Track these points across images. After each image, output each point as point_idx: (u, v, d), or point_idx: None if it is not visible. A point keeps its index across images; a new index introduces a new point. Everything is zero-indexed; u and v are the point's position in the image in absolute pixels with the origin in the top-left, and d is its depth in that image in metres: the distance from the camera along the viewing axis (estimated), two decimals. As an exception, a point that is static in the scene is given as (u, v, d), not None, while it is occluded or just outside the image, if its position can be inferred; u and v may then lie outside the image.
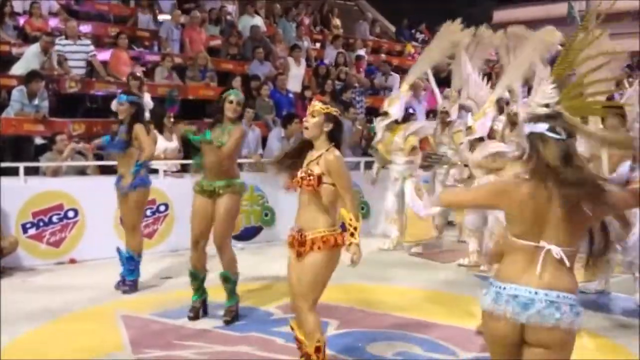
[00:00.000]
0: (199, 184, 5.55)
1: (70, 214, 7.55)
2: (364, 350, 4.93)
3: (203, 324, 5.48)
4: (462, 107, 7.78)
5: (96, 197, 7.61)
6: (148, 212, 7.71)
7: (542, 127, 2.84)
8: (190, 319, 5.52)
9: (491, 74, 10.71)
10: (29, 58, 9.49)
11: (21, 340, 5.02)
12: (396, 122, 8.41)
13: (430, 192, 8.60)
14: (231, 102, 5.40)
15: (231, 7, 14.58)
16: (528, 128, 2.89)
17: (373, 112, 10.88)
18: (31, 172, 7.66)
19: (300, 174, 3.88)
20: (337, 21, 16.71)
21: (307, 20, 15.99)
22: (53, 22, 11.18)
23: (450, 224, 9.12)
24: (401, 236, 8.53)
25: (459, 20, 8.15)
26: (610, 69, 6.89)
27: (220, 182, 5.42)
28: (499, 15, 23.65)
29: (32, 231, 7.32)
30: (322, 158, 3.87)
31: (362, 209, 9.23)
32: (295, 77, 12.10)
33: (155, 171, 7.96)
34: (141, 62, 11.05)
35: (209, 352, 4.87)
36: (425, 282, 6.99)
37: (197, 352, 4.86)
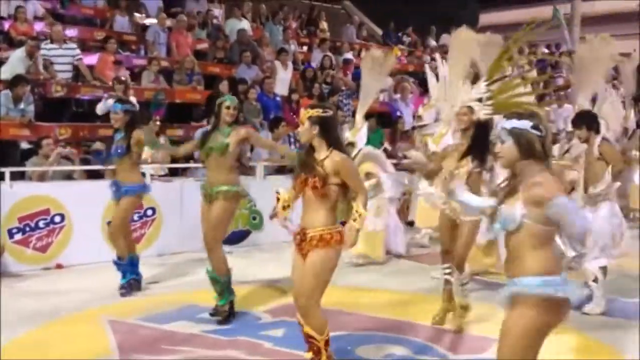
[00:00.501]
0: (202, 188, 5.75)
1: (57, 218, 7.51)
2: (353, 353, 4.93)
3: (191, 328, 5.46)
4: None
5: (83, 202, 7.58)
6: (135, 217, 7.68)
7: (526, 123, 3.08)
8: (220, 323, 5.58)
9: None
10: (14, 62, 9.43)
11: (7, 347, 4.97)
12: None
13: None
14: (228, 107, 5.61)
15: (218, 11, 14.58)
16: (511, 124, 3.10)
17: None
18: (17, 176, 7.60)
19: (304, 176, 4.03)
20: (324, 24, 16.76)
21: (294, 24, 16.03)
22: (38, 26, 11.12)
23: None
24: None
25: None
26: (599, 71, 7.00)
27: (216, 188, 5.59)
28: (486, 18, 23.79)
29: (18, 236, 7.26)
30: (329, 160, 4.00)
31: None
32: (283, 81, 12.10)
33: (142, 175, 7.92)
34: (127, 66, 10.99)
35: (197, 357, 4.85)
36: (414, 284, 7.00)
37: (185, 356, 4.85)
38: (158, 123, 8.80)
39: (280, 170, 9.49)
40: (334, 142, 4.08)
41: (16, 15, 10.82)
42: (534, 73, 10.35)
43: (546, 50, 18.97)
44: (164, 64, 11.46)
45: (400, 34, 18.40)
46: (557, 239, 3.17)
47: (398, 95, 12.94)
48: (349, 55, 14.62)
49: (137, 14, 13.23)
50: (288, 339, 5.15)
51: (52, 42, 10.07)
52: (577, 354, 4.96)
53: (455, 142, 5.67)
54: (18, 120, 8.57)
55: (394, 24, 18.51)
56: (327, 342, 4.10)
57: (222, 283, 5.64)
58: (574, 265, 5.59)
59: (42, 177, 7.80)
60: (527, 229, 3.02)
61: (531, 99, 5.74)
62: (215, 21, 13.92)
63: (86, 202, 7.60)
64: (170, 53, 12.08)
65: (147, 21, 13.05)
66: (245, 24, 13.72)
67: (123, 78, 9.74)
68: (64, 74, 10.01)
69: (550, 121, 7.37)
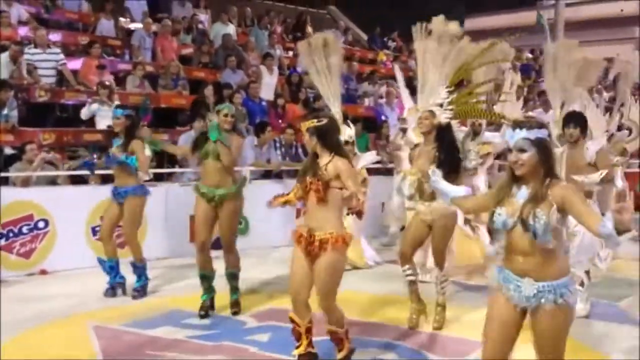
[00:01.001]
0: (198, 188, 5.93)
1: (41, 224, 7.47)
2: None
3: (176, 333, 5.44)
4: None
5: (67, 207, 7.55)
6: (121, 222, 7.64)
7: (545, 133, 3.27)
8: (201, 317, 5.84)
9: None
10: (-3, 67, 9.37)
11: (-10, 353, 4.95)
12: None
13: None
14: (226, 115, 5.83)
15: (203, 16, 14.55)
16: (535, 134, 3.22)
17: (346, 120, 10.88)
18: (1, 182, 7.54)
19: (309, 180, 4.29)
20: (309, 29, 16.77)
21: (279, 29, 16.03)
22: (22, 31, 11.04)
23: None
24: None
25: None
26: (586, 77, 7.04)
27: (220, 191, 5.82)
28: (471, 23, 23.90)
29: (1, 242, 7.21)
30: (331, 165, 4.27)
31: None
32: (268, 86, 12.10)
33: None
34: (112, 71, 10.95)
35: (182, 362, 4.84)
36: (398, 288, 7.00)
37: (170, 362, 4.84)
38: (145, 129, 8.77)
39: (266, 175, 9.50)
40: (333, 147, 4.36)
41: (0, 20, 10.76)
42: (518, 78, 10.45)
43: (530, 55, 19.09)
44: (149, 68, 11.42)
45: (385, 39, 18.47)
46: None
47: (383, 100, 12.99)
48: (334, 60, 14.60)
49: (122, 19, 13.19)
50: (273, 343, 5.16)
51: (36, 46, 10.00)
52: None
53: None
54: (1, 126, 8.49)
55: (379, 28, 18.58)
56: (347, 332, 4.53)
57: (238, 278, 6.12)
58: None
59: (25, 182, 7.75)
60: (557, 233, 3.20)
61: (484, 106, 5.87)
62: (200, 26, 13.90)
63: (70, 208, 7.57)
64: (155, 58, 12.05)
65: (132, 26, 13.02)
66: (231, 29, 13.72)
67: (107, 83, 9.71)
68: (47, 78, 9.95)
69: None
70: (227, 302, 6.13)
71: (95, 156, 7.60)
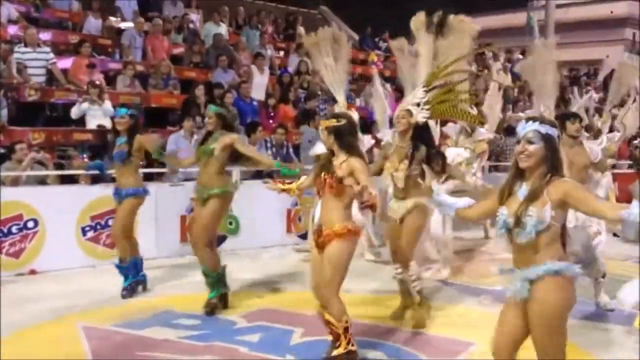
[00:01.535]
0: (195, 192, 6.04)
1: (30, 224, 7.43)
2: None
3: (166, 334, 5.42)
4: None
5: (56, 207, 7.52)
6: (110, 222, 7.62)
7: (555, 131, 3.28)
8: (207, 314, 5.89)
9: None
10: (-14, 66, 9.34)
11: (-21, 354, 4.92)
12: None
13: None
14: (210, 117, 6.00)
15: (194, 16, 14.52)
16: (545, 128, 3.24)
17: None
18: (-11, 181, 7.52)
19: (324, 176, 4.48)
20: (300, 29, 16.76)
21: (270, 29, 16.02)
22: (12, 30, 11.00)
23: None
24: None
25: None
26: (546, 79, 6.99)
27: (207, 190, 5.89)
28: (461, 24, 23.96)
29: (-10, 242, 7.18)
30: (345, 163, 4.42)
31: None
32: (259, 85, 12.09)
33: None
34: (102, 70, 10.91)
35: (172, 363, 4.83)
36: (385, 287, 7.00)
37: (160, 362, 4.82)
38: (155, 135, 8.78)
39: (257, 175, 9.48)
40: (349, 146, 4.50)
41: (-11, 19, 10.73)
42: (508, 79, 10.49)
43: (521, 57, 19.14)
44: (140, 68, 11.40)
45: (377, 39, 18.47)
46: None
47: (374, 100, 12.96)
48: (325, 60, 14.61)
49: (112, 18, 13.13)
50: (264, 344, 5.16)
51: (25, 45, 9.96)
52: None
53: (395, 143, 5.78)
54: (-9, 125, 8.49)
55: (370, 29, 18.58)
56: (346, 329, 4.46)
57: (212, 277, 5.99)
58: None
59: (15, 182, 7.72)
60: (549, 229, 3.18)
61: (467, 105, 5.86)
62: (191, 25, 13.87)
63: (60, 208, 7.53)
64: (146, 57, 12.01)
65: (123, 25, 12.96)
66: (222, 29, 13.70)
67: (97, 82, 9.68)
68: (37, 77, 9.91)
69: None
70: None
71: (84, 157, 7.60)
